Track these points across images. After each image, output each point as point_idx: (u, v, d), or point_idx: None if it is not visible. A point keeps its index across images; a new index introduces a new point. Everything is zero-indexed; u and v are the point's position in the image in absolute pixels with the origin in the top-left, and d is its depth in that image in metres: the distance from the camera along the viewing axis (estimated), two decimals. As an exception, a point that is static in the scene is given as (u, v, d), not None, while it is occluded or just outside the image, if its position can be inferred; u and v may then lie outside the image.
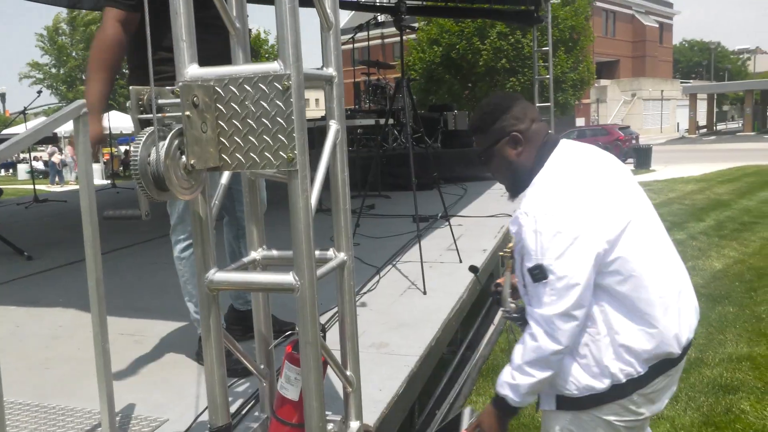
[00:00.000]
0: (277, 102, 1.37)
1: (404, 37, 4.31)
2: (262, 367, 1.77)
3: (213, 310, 1.51)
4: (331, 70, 1.64)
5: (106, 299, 3.19)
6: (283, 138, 1.38)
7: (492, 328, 4.28)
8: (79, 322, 2.99)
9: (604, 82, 41.92)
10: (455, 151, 8.57)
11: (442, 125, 9.40)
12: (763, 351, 3.97)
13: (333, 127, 1.64)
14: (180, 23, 1.43)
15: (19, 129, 12.62)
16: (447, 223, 5.00)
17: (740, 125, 46.01)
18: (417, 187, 4.24)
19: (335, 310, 2.85)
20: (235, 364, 2.06)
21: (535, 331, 1.55)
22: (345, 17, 36.93)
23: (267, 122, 1.39)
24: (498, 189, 7.45)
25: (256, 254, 1.75)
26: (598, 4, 38.95)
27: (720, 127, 49.89)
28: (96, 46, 2.17)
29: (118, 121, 16.49)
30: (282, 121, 1.38)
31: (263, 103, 1.38)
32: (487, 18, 14.87)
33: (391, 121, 7.76)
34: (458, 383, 3.41)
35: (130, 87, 1.34)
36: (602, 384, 1.59)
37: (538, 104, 11.26)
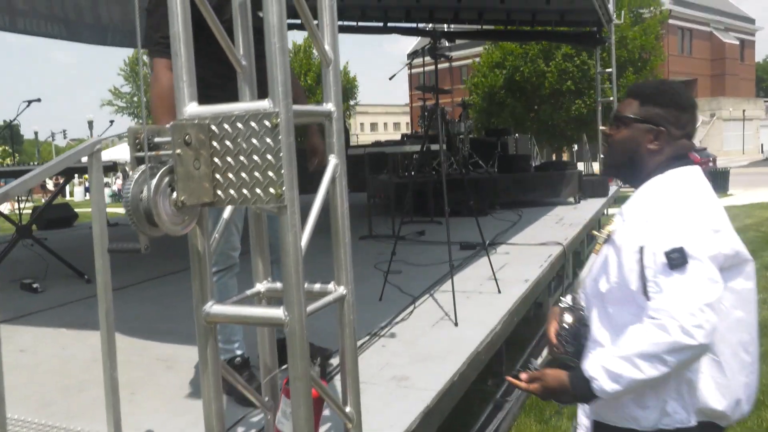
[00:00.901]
0: (267, 139, 1.40)
1: (468, 60, 4.30)
2: (266, 399, 1.78)
3: (210, 342, 1.53)
4: (330, 106, 1.65)
5: (146, 324, 3.29)
6: (272, 174, 1.40)
7: (540, 360, 4.15)
8: (119, 345, 3.11)
9: (679, 102, 40.36)
10: (512, 175, 8.43)
11: (499, 149, 9.29)
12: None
13: (332, 161, 1.65)
14: (180, 64, 1.49)
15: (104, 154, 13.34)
16: (495, 250, 4.93)
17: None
18: (472, 213, 4.23)
19: (366, 338, 2.86)
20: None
21: (666, 323, 1.34)
22: (414, 41, 37.31)
23: (257, 159, 1.41)
24: (554, 215, 7.27)
25: (260, 286, 1.77)
26: (673, 22, 37.75)
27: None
28: (156, 95, 2.30)
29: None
30: (271, 158, 1.40)
31: (254, 140, 1.41)
32: (549, 40, 14.68)
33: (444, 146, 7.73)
34: (496, 419, 3.32)
35: (128, 126, 1.40)
36: (648, 420, 1.47)
37: (602, 127, 10.97)
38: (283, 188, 1.39)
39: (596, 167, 13.39)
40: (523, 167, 8.64)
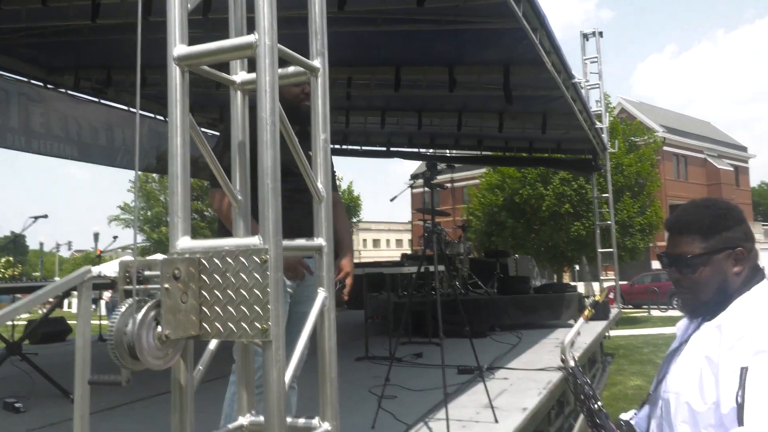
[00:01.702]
0: (255, 274, 1.43)
1: (469, 182, 4.46)
2: None
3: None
4: (321, 240, 1.70)
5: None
6: (258, 309, 1.42)
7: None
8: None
9: (678, 224, 40.92)
10: (512, 297, 8.42)
11: (499, 270, 9.34)
12: None
13: (321, 294, 1.68)
14: (176, 201, 1.56)
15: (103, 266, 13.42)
16: (493, 375, 4.82)
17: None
18: (470, 335, 4.19)
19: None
20: None
21: None
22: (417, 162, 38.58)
23: (245, 293, 1.44)
24: (554, 338, 7.17)
25: (243, 420, 1.73)
26: (668, 149, 39.15)
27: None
28: (223, 217, 2.54)
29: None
30: (258, 293, 1.43)
31: (242, 275, 1.45)
32: (547, 167, 15.20)
33: (441, 267, 7.78)
34: None
35: (119, 260, 1.44)
36: None
37: (600, 249, 11.08)
38: (269, 323, 1.41)
39: (596, 288, 13.36)
40: (522, 289, 8.64)
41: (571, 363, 1.62)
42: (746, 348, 1.34)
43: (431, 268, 8.13)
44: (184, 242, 1.53)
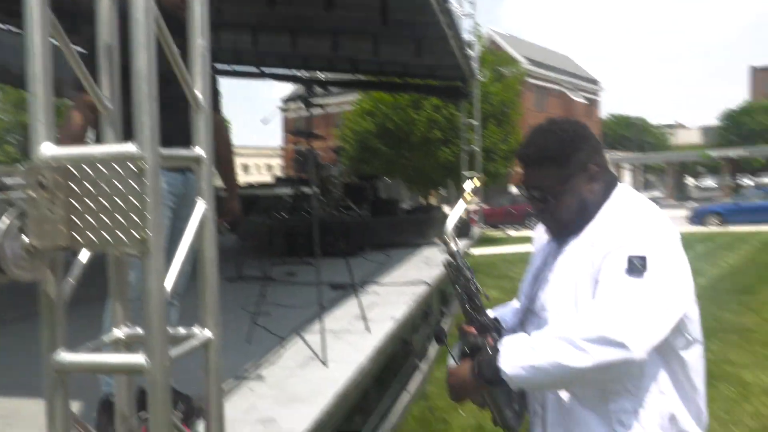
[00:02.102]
0: (131, 182, 1.39)
1: (340, 108, 4.45)
2: (122, 451, 1.70)
3: (59, 394, 1.46)
4: (199, 150, 1.67)
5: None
6: (136, 218, 1.39)
7: (408, 396, 4.26)
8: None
9: (536, 152, 43.64)
10: (383, 218, 8.69)
11: (371, 193, 9.55)
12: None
13: (201, 205, 1.66)
14: (38, 103, 1.45)
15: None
16: (363, 290, 5.03)
17: (662, 194, 48.62)
18: (343, 255, 4.31)
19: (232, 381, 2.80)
20: None
21: (606, 318, 1.30)
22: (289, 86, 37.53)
23: (120, 202, 1.39)
24: (422, 256, 7.56)
25: (119, 332, 1.71)
26: (530, 80, 41.05)
27: (645, 195, 52.39)
28: (71, 136, 2.38)
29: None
30: (135, 202, 1.38)
31: (117, 184, 1.39)
32: (419, 93, 15.47)
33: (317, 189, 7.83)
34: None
35: (-25, 166, 1.33)
36: None
37: (466, 173, 11.62)
38: (148, 233, 1.39)
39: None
40: (392, 211, 8.93)
41: (453, 246, 1.60)
42: (611, 244, 1.40)
43: (306, 191, 8.14)
44: (48, 149, 1.43)
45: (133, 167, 1.39)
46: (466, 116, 12.08)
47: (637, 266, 1.32)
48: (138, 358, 1.40)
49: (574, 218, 1.54)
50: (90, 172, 1.40)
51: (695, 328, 1.49)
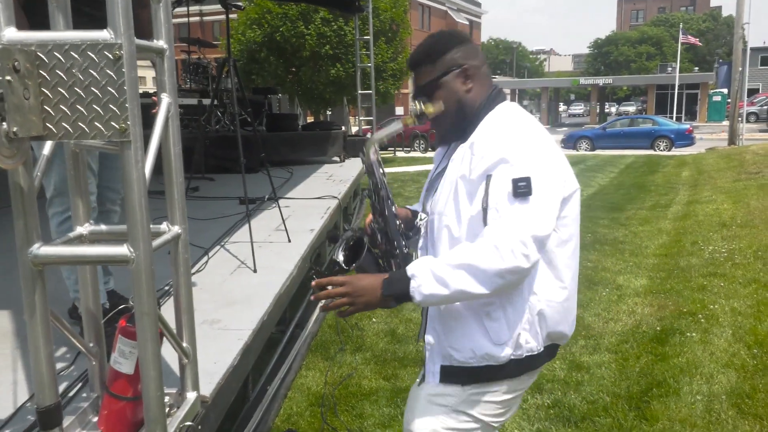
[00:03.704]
0: (108, 71, 1.35)
1: (221, 16, 4.27)
2: (91, 345, 1.72)
3: (38, 287, 1.44)
4: (161, 43, 1.63)
5: None
6: (114, 108, 1.37)
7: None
8: None
9: (421, 73, 43.98)
10: (281, 134, 8.57)
11: (267, 108, 9.35)
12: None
13: (165, 100, 1.64)
14: (-5, -16, 1.35)
15: None
16: (275, 205, 5.06)
17: (538, 119, 51.17)
18: (245, 170, 4.26)
19: (166, 287, 2.81)
20: None
21: (499, 245, 1.36)
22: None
23: (97, 91, 1.36)
24: (323, 173, 7.62)
25: (82, 229, 1.69)
26: (416, -2, 40.82)
27: (521, 119, 54.91)
28: None
29: None
30: (113, 91, 1.36)
31: (93, 72, 1.35)
32: (310, 3, 14.95)
33: (215, 102, 7.56)
34: (288, 359, 3.51)
35: (-62, 47, 1.24)
36: (503, 354, 1.49)
37: (360, 91, 11.62)
38: (128, 122, 1.37)
39: (354, 129, 14.14)
40: (290, 126, 8.82)
41: (372, 157, 1.61)
42: (491, 157, 1.44)
43: (205, 102, 7.81)
44: (11, 33, 1.35)
45: (109, 55, 1.35)
46: (359, 32, 11.94)
47: (521, 189, 1.39)
48: (122, 249, 1.42)
49: (453, 119, 1.58)
50: (62, 59, 1.35)
51: (569, 228, 1.53)
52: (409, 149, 22.90)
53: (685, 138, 21.22)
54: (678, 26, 38.80)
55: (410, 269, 1.43)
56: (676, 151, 20.24)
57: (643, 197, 10.32)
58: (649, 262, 6.02)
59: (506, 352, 1.50)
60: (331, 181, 6.69)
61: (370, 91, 11.46)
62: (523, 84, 53.97)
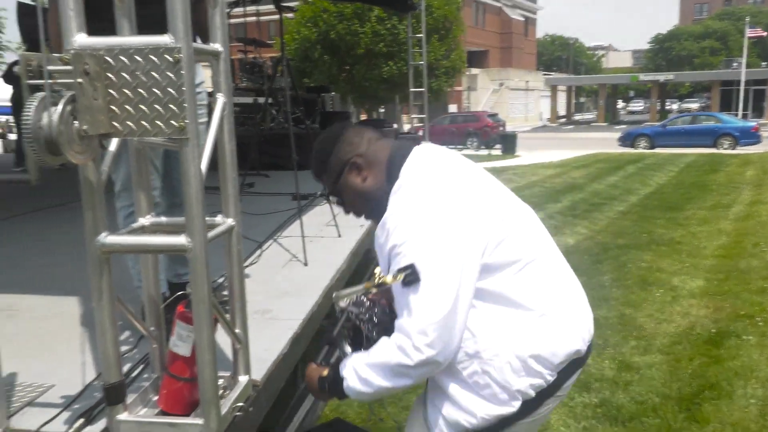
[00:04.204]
0: (168, 73, 1.45)
1: (275, 16, 4.39)
2: (152, 329, 1.84)
3: (105, 273, 1.56)
4: (217, 46, 1.73)
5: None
6: (174, 107, 1.46)
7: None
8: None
9: (474, 70, 43.81)
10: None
11: (320, 106, 9.50)
12: (604, 313, 4.52)
13: (220, 100, 1.74)
14: (68, -7, 1.46)
15: None
16: (326, 201, 5.16)
17: (594, 116, 50.08)
18: (296, 167, 4.37)
19: (220, 279, 2.94)
20: None
21: (401, 342, 1.39)
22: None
23: (158, 92, 1.46)
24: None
25: (144, 221, 1.80)
26: (470, -5, 40.55)
27: (577, 117, 54.02)
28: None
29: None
30: (173, 92, 1.46)
31: (154, 74, 1.46)
32: (365, 2, 15.11)
33: (269, 100, 7.75)
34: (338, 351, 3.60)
35: (21, 53, 1.37)
36: (513, 408, 1.47)
37: (412, 89, 11.65)
38: (186, 121, 1.47)
39: (406, 127, 14.20)
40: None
41: (343, 305, 1.70)
42: (387, 245, 1.45)
43: (260, 101, 7.99)
44: (82, 38, 1.46)
45: (169, 58, 1.45)
46: (412, 30, 11.97)
47: (408, 278, 1.38)
48: (180, 239, 1.52)
49: (364, 208, 1.65)
50: (127, 62, 1.46)
51: (518, 260, 1.47)
52: (461, 147, 22.80)
53: (751, 136, 20.37)
54: (744, 19, 37.23)
55: (342, 368, 1.51)
56: (740, 150, 19.47)
57: (703, 197, 10.01)
58: (707, 263, 5.86)
59: (514, 405, 1.46)
60: (381, 179, 6.76)
61: (423, 89, 11.49)
62: (579, 81, 52.87)
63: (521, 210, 1.60)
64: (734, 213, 8.42)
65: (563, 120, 48.73)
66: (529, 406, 1.48)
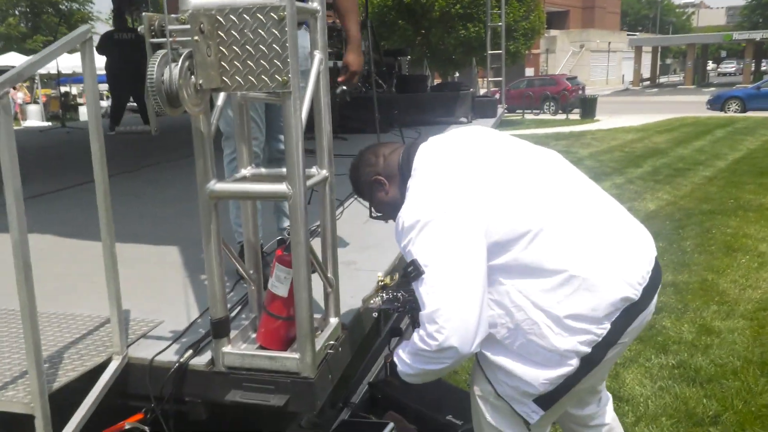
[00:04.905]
0: (274, 31, 1.56)
1: None
2: (251, 272, 2.00)
3: (213, 217, 1.71)
4: (315, 4, 1.82)
5: (85, 227, 3.31)
6: (278, 63, 1.58)
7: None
8: (59, 246, 3.15)
9: (553, 32, 42.33)
10: (411, 95, 8.73)
11: (397, 70, 9.53)
12: (685, 278, 4.43)
13: (317, 56, 1.84)
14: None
15: None
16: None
17: (681, 78, 47.47)
18: (374, 131, 4.47)
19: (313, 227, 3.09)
20: None
21: (421, 332, 1.52)
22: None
23: (264, 48, 1.58)
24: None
25: (245, 171, 1.95)
26: (551, -48, 38.94)
27: (662, 80, 51.39)
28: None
29: (63, 61, 15.80)
30: (278, 48, 1.57)
31: (261, 32, 1.57)
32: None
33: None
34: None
35: (144, 14, 1.50)
36: (571, 366, 1.51)
37: (490, 51, 11.46)
38: (289, 75, 1.58)
39: (482, 91, 14.01)
40: (420, 87, 8.95)
41: (373, 306, 1.93)
42: (400, 241, 1.62)
43: (338, 65, 8.13)
44: (195, 0, 1.59)
45: (275, 16, 1.55)
46: (491, -9, 11.74)
47: (413, 275, 1.51)
48: (282, 187, 1.65)
49: (396, 214, 1.70)
50: (236, 20, 1.57)
51: (517, 227, 1.51)
52: (538, 111, 22.25)
53: None
54: None
55: (395, 355, 1.69)
56: (844, 113, 18.10)
57: (799, 162, 9.45)
58: (800, 231, 5.60)
59: (572, 363, 1.51)
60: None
61: (501, 51, 11.29)
62: (666, 41, 50.16)
63: (537, 174, 1.62)
64: (833, 180, 7.94)
65: (647, 83, 46.46)
66: (590, 359, 1.52)
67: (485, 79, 11.75)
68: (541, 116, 21.49)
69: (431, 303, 1.47)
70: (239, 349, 1.87)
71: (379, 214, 1.94)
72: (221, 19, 1.57)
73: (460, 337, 1.46)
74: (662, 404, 2.82)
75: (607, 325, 1.50)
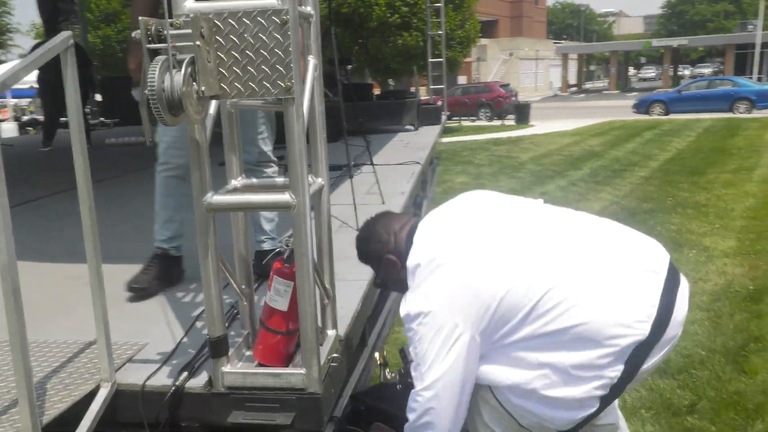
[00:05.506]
0: (276, 35, 1.51)
1: None
2: (243, 287, 1.92)
3: (210, 230, 1.64)
4: (308, 8, 1.78)
5: (39, 248, 3.12)
6: (281, 68, 1.52)
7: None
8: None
9: (484, 41, 43.26)
10: (356, 104, 8.70)
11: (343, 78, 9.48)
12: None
13: (311, 62, 1.79)
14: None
15: None
16: (361, 170, 5.23)
17: (606, 84, 49.53)
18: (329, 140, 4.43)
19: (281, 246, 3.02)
20: None
21: (409, 403, 1.67)
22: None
23: (266, 54, 1.52)
24: (400, 140, 7.75)
25: (236, 182, 1.87)
26: (479, -37, 39.89)
27: (588, 86, 53.42)
28: None
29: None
30: (280, 53, 1.52)
31: (262, 36, 1.51)
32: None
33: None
34: (383, 314, 3.69)
35: (140, 18, 1.42)
36: (592, 408, 1.55)
37: (430, 59, 11.59)
38: (292, 81, 1.53)
39: (424, 97, 14.11)
40: (365, 96, 8.95)
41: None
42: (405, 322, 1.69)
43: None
44: (191, 4, 1.51)
45: (277, 20, 1.50)
46: (430, 0, 11.89)
47: (410, 358, 1.66)
48: (285, 197, 1.59)
49: (403, 288, 1.76)
50: (235, 25, 1.51)
51: (516, 303, 1.56)
52: (474, 118, 22.69)
53: (769, 100, 20.15)
54: (760, -19, 36.42)
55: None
56: (757, 114, 19.27)
57: (724, 161, 9.99)
58: (737, 224, 5.90)
59: (594, 406, 1.54)
60: (408, 149, 6.81)
61: (441, 59, 11.43)
62: (590, 48, 52.20)
63: (530, 244, 1.64)
64: (759, 175, 8.42)
65: (574, 89, 48.24)
66: (609, 398, 1.54)
67: (424, 86, 11.86)
68: (478, 123, 21.92)
69: (418, 382, 1.64)
70: (238, 368, 1.79)
71: (380, 281, 2.00)
72: (219, 24, 1.51)
73: (437, 416, 1.62)
74: (639, 397, 2.88)
75: (621, 366, 1.51)
